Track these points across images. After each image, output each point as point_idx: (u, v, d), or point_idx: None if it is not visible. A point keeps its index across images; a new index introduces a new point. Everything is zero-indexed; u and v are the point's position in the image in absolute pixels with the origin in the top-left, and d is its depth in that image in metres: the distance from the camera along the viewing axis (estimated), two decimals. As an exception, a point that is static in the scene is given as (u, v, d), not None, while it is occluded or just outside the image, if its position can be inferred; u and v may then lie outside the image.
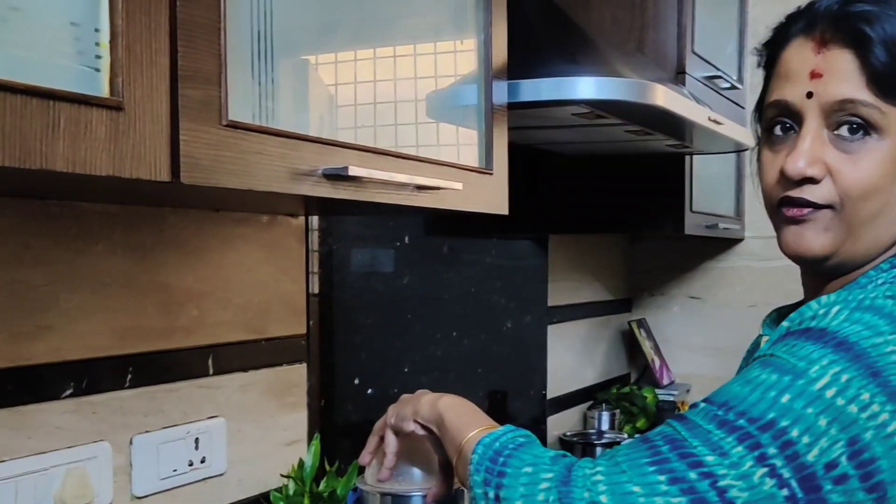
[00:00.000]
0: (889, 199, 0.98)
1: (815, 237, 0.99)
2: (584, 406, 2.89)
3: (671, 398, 2.90)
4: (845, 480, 0.83)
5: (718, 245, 3.11)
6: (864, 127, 0.96)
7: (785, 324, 0.96)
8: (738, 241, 3.09)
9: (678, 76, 2.24)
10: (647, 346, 3.10)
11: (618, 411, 2.86)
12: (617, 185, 2.38)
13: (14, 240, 1.14)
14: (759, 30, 2.91)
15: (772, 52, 1.05)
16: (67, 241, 1.20)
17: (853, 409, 0.84)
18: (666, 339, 3.21)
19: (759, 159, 1.06)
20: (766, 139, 1.04)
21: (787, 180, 0.99)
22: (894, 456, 0.84)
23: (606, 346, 3.09)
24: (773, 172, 1.01)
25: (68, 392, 1.21)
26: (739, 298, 3.11)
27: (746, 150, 2.20)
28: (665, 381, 3.08)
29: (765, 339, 1.10)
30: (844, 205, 0.97)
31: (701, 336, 3.16)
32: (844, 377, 0.85)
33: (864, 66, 0.95)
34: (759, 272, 3.07)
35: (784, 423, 0.84)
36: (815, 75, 0.98)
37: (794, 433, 0.84)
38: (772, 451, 0.84)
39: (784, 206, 1.00)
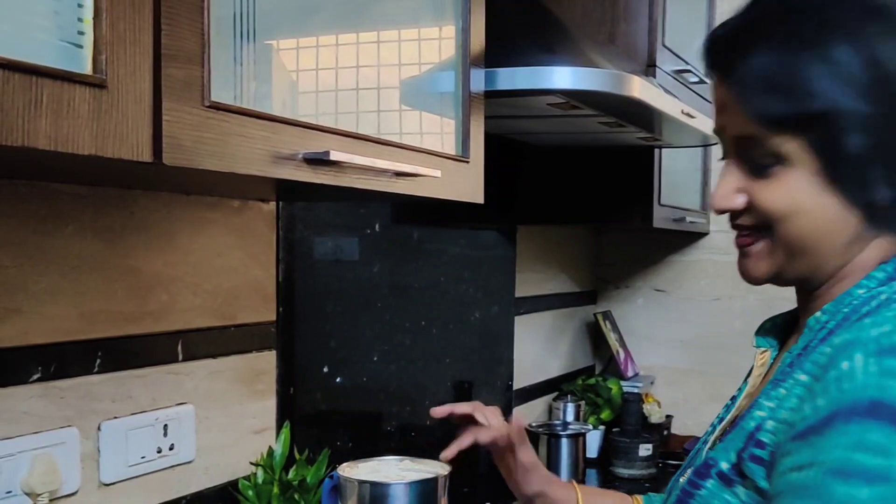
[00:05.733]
0: (829, 217, 0.90)
1: (756, 264, 0.95)
2: (550, 397, 2.89)
3: (636, 390, 2.91)
4: None
5: (683, 238, 3.13)
6: (768, 158, 0.90)
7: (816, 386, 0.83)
8: (702, 234, 3.11)
9: (649, 69, 2.25)
10: (612, 337, 3.11)
11: (583, 402, 2.86)
12: (586, 176, 2.39)
13: (-18, 220, 1.11)
14: (728, 25, 2.95)
15: None
16: (36, 223, 1.18)
17: None
18: (631, 332, 3.23)
19: None
20: None
21: None
22: None
23: (572, 337, 3.10)
24: None
25: (36, 376, 1.18)
26: (703, 291, 3.13)
27: (714, 144, 2.21)
28: (630, 373, 3.09)
29: (761, 353, 1.06)
30: (772, 227, 0.92)
31: (665, 328, 3.18)
32: None
33: (741, 101, 0.90)
34: (723, 266, 3.09)
35: None
36: (719, 109, 0.93)
37: None
38: None
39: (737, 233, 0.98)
